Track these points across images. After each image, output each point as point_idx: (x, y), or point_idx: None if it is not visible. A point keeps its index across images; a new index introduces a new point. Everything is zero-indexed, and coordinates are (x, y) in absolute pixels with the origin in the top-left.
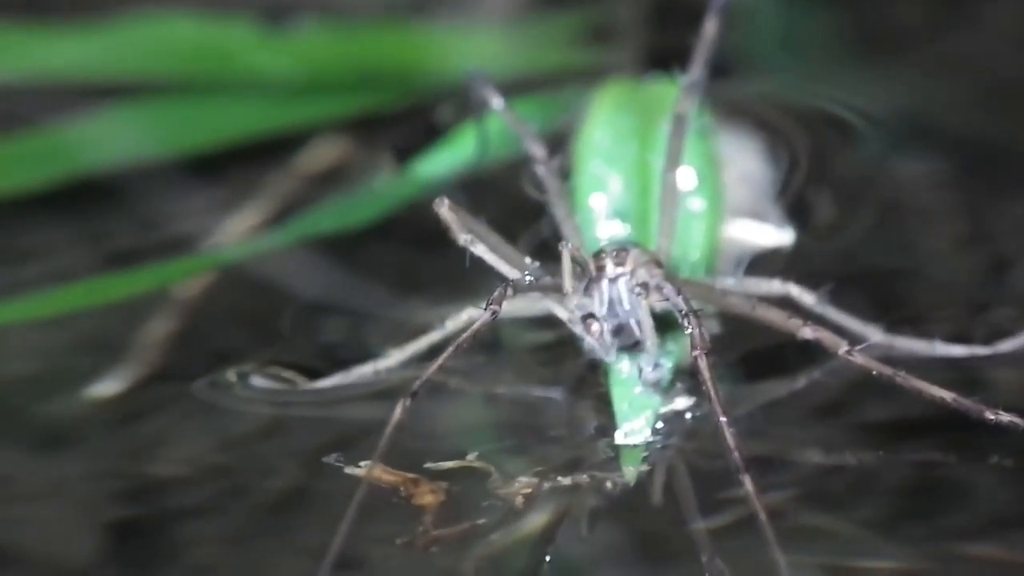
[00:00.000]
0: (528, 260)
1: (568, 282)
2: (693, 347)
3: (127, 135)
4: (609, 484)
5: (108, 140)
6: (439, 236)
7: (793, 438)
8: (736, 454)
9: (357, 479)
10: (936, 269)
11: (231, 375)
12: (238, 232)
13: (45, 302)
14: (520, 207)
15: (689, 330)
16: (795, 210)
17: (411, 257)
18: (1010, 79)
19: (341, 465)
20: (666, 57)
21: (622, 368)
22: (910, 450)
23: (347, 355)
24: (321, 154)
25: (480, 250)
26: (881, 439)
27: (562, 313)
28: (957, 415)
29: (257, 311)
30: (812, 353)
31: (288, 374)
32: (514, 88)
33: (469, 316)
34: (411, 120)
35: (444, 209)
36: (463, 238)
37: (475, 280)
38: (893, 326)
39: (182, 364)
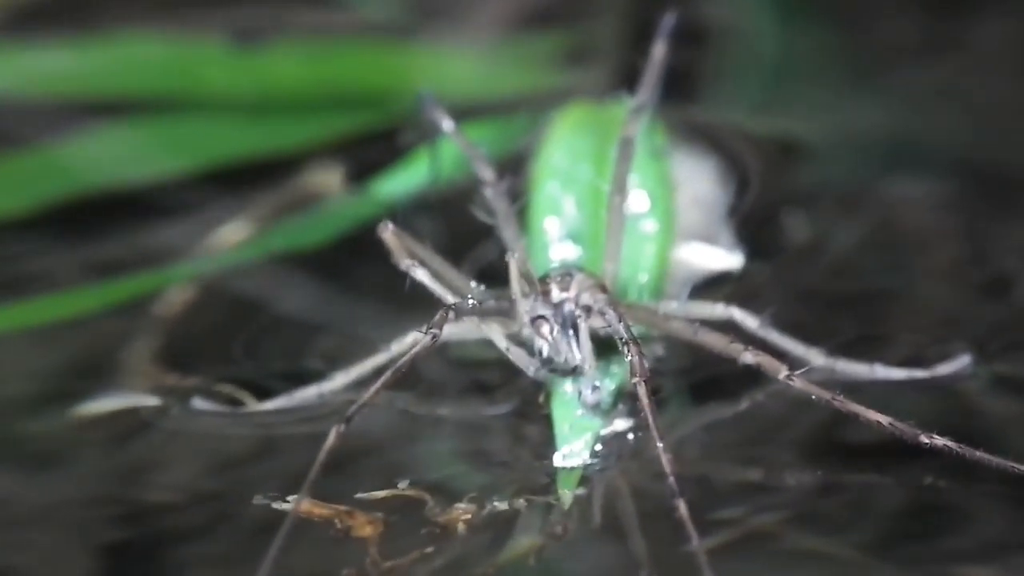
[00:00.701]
0: (473, 284)
1: (516, 289)
2: (632, 374)
3: (117, 154)
4: (545, 508)
5: (99, 159)
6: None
7: (785, 460)
8: (672, 479)
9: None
10: (918, 291)
11: (169, 400)
12: (221, 249)
13: (24, 312)
14: (473, 229)
15: (629, 357)
16: (768, 233)
17: (389, 274)
18: (996, 103)
19: (269, 502)
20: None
21: (565, 390)
22: (905, 472)
23: (309, 373)
24: (313, 177)
25: (421, 275)
26: (875, 460)
27: (500, 341)
28: (955, 436)
29: (238, 328)
30: (755, 377)
31: (241, 394)
32: (488, 109)
33: (414, 339)
34: (381, 141)
35: (387, 234)
36: (404, 263)
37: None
38: (866, 349)
39: (170, 383)
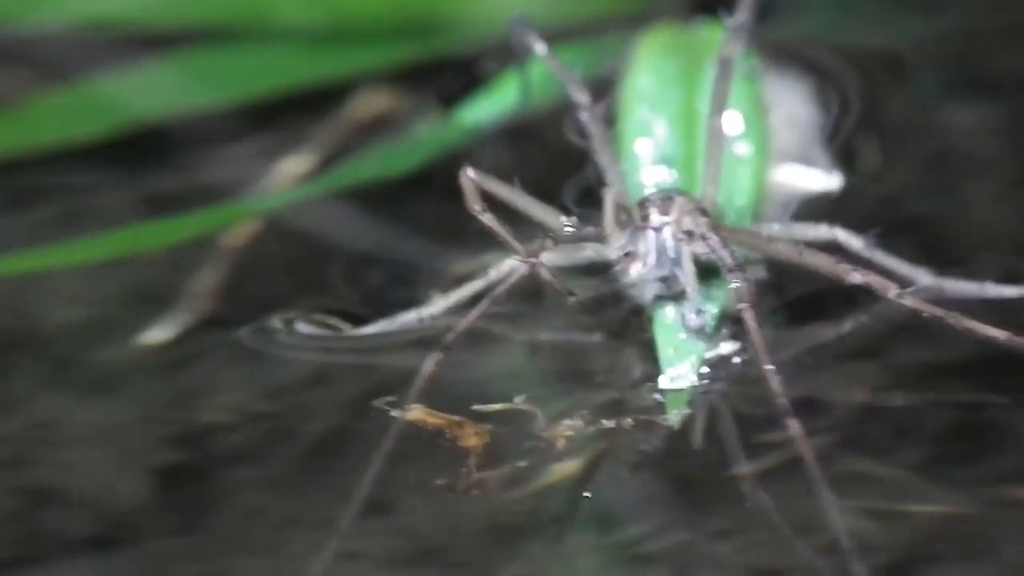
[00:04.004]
0: (563, 218)
1: (610, 225)
2: (739, 300)
3: (172, 86)
4: (653, 427)
5: (154, 92)
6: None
7: (835, 382)
8: (783, 399)
9: (400, 423)
10: (981, 214)
11: (277, 322)
12: (284, 181)
13: (92, 247)
14: (564, 154)
15: (735, 284)
16: (840, 154)
17: (451, 207)
18: None
19: (387, 409)
20: (707, 4)
21: (667, 313)
22: (953, 393)
23: (391, 303)
24: (367, 104)
25: (488, 220)
26: (923, 382)
27: (607, 253)
28: (999, 357)
29: (302, 260)
30: (852, 297)
31: (333, 321)
32: (555, 36)
33: (511, 266)
34: (451, 69)
35: (464, 178)
36: (475, 208)
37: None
38: (939, 270)
39: (228, 312)
